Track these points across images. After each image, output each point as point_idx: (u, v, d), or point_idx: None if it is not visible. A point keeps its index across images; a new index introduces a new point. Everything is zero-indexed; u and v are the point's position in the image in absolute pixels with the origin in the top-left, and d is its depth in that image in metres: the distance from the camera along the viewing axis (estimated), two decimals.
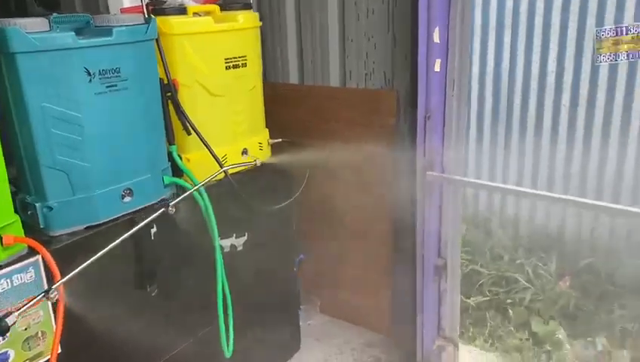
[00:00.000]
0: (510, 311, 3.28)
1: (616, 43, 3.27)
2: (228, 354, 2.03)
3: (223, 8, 2.03)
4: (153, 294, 1.77)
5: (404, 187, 2.36)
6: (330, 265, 2.91)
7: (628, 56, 3.26)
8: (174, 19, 1.84)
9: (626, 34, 3.21)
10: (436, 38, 2.20)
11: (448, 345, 2.72)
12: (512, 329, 3.18)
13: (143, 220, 1.68)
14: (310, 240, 2.82)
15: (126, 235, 1.58)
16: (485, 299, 3.34)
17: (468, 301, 3.35)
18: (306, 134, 2.60)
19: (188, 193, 1.82)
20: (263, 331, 2.37)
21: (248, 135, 2.14)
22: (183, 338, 1.99)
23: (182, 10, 1.89)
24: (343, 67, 2.61)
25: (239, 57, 2.01)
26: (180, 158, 1.90)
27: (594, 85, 3.40)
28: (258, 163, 2.09)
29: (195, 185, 1.86)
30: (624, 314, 3.20)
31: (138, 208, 1.72)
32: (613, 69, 3.31)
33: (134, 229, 1.62)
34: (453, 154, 2.41)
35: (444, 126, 2.37)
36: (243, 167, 2.10)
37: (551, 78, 3.50)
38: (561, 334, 3.18)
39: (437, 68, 2.24)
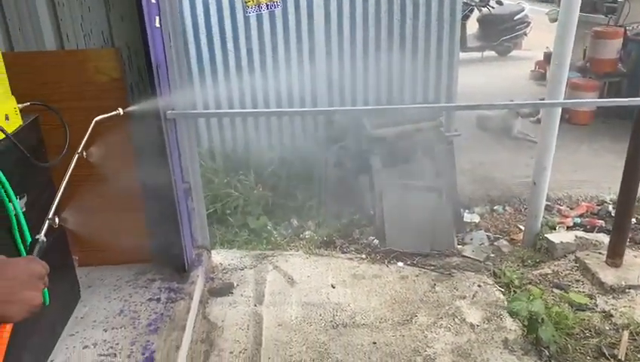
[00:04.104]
0: (230, 218, 4.10)
1: None
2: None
3: None
4: None
5: (149, 129, 2.80)
6: (80, 218, 3.10)
7: (267, 7, 4.30)
8: None
9: None
10: None
11: (203, 251, 3.37)
12: (237, 230, 4.02)
13: None
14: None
15: None
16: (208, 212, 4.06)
17: None
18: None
19: None
20: (50, 288, 2.52)
21: (4, 100, 2.21)
22: None
23: None
24: (59, 30, 2.77)
25: None
26: None
27: (248, 31, 4.36)
28: (121, 112, 2.24)
29: None
30: (304, 197, 4.41)
31: None
32: (259, 18, 4.32)
33: None
34: (180, 94, 2.96)
35: (167, 72, 2.89)
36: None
37: (215, 28, 4.32)
38: (269, 224, 4.19)
39: (157, 24, 2.71)
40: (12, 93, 2.46)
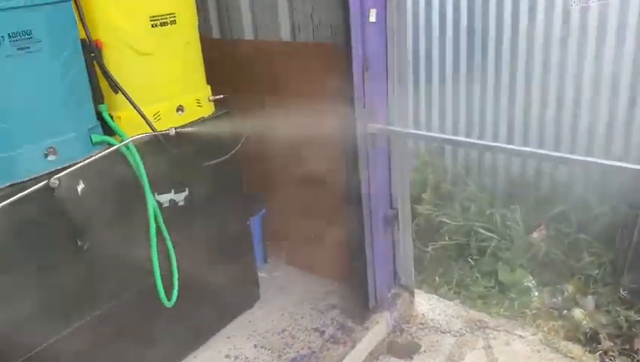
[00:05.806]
0: (472, 260, 3.32)
1: None
2: (169, 303, 2.14)
3: None
4: (85, 248, 1.87)
5: (351, 140, 2.38)
6: (291, 219, 2.98)
7: None
8: None
9: None
10: None
11: (404, 293, 2.80)
12: (478, 276, 3.23)
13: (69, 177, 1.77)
14: (270, 194, 2.92)
15: (20, 195, 1.64)
16: (448, 243, 3.40)
17: (426, 249, 3.43)
18: (256, 89, 2.66)
19: (79, 164, 1.82)
20: (218, 284, 2.46)
21: (184, 92, 2.18)
22: (120, 292, 2.08)
23: None
24: (292, 21, 2.60)
25: (167, 15, 2.03)
26: (111, 117, 1.97)
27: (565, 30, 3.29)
28: (172, 132, 2.08)
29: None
30: (593, 261, 3.20)
31: (65, 165, 1.80)
32: (583, 12, 3.20)
33: (20, 195, 1.65)
34: (396, 105, 2.42)
35: (387, 77, 2.38)
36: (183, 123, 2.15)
37: (523, 25, 3.41)
38: (530, 282, 3.21)
39: (372, 18, 2.22)
40: (244, 80, 2.61)
